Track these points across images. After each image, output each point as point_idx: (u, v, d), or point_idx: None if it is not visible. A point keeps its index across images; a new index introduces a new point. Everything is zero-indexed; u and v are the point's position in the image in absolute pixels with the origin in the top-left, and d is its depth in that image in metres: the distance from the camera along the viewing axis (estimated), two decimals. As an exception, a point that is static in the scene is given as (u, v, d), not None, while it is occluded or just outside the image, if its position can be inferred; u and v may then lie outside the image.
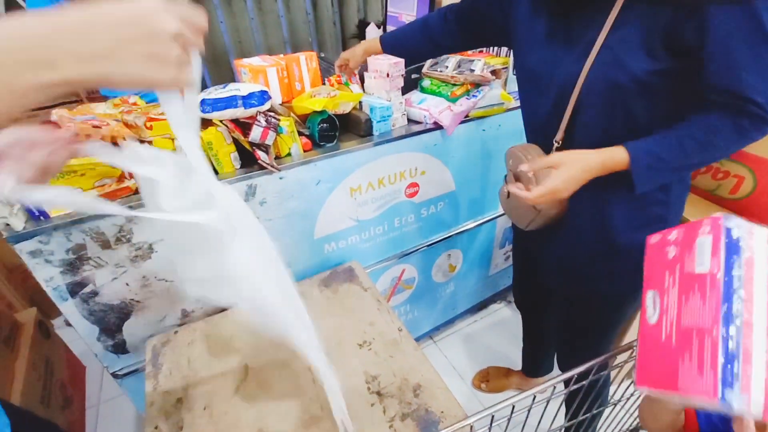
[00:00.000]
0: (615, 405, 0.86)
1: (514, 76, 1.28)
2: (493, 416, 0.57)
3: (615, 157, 0.68)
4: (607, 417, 0.91)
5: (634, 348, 0.65)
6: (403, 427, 0.74)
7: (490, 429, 0.59)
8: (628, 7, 0.64)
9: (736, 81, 0.60)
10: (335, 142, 1.04)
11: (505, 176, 0.95)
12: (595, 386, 0.76)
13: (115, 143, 0.81)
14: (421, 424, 0.75)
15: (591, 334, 1.00)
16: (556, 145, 0.78)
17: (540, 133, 0.84)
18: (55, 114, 0.83)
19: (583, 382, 0.72)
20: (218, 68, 2.18)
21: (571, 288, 0.94)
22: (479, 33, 0.99)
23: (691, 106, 0.67)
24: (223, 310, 1.02)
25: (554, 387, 0.61)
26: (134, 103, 0.95)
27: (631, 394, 0.84)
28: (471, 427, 0.57)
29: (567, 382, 0.69)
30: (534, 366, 1.45)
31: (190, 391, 0.82)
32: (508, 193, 0.90)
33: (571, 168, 0.69)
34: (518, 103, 1.28)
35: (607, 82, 0.67)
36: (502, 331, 1.76)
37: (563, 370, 1.27)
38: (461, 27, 1.00)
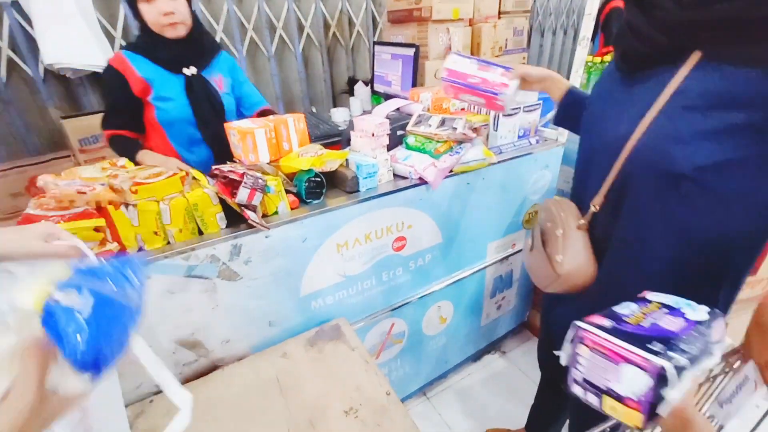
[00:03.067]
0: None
1: (495, 132, 1.34)
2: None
3: None
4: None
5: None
6: (392, 507, 0.69)
7: None
8: (702, 70, 0.54)
9: None
10: (322, 198, 1.05)
11: (533, 230, 0.90)
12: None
13: (100, 208, 0.81)
14: (410, 504, 0.69)
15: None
16: (593, 208, 0.71)
17: (582, 189, 0.77)
18: (41, 180, 0.84)
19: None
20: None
21: None
22: None
23: None
24: (205, 373, 0.98)
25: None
26: (122, 166, 0.96)
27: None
28: None
29: None
30: (541, 429, 1.37)
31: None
32: (531, 246, 0.85)
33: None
34: (500, 158, 1.33)
35: (657, 153, 0.57)
36: (497, 385, 1.70)
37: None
38: None
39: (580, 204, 0.78)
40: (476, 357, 1.80)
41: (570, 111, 0.90)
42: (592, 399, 0.48)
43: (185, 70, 1.31)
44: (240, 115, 1.53)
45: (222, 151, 1.22)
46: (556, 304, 0.94)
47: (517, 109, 1.33)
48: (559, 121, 1.00)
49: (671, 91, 0.56)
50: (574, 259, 0.74)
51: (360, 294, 1.21)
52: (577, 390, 0.50)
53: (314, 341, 1.06)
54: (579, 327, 0.50)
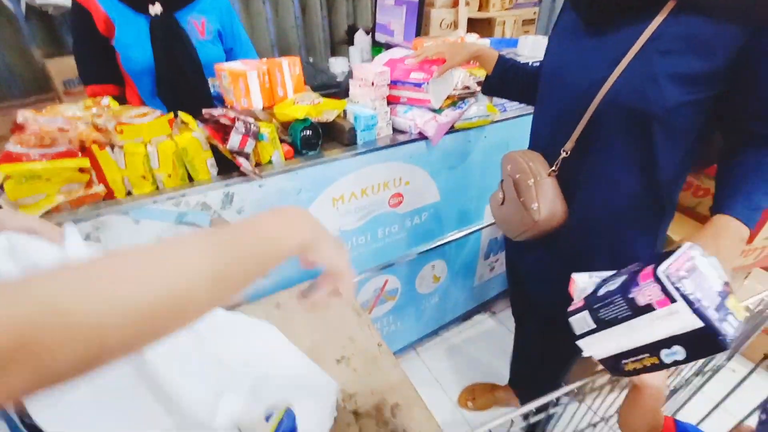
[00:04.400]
0: (597, 424, 0.85)
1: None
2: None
3: (732, 234, 0.60)
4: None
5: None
6: (380, 448, 0.72)
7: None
8: (675, 18, 0.59)
9: None
10: (318, 150, 1.01)
11: (501, 182, 0.93)
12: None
13: (84, 148, 0.77)
14: (398, 446, 0.72)
15: (559, 354, 1.00)
16: (563, 154, 0.76)
17: (549, 139, 0.81)
18: (21, 116, 0.79)
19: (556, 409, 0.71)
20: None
21: (551, 300, 0.93)
22: None
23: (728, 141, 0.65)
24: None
25: (534, 410, 0.60)
26: (107, 105, 0.91)
27: (615, 413, 0.83)
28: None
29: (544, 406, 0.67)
30: (520, 379, 1.43)
31: None
32: (503, 199, 0.89)
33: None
34: (504, 116, 1.28)
35: (633, 94, 0.64)
36: (486, 343, 1.75)
37: (524, 384, 1.25)
38: None
39: (544, 154, 0.82)
40: (467, 316, 1.84)
41: (505, 76, 0.99)
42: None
43: (150, 8, 1.10)
44: None
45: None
46: (525, 252, 0.98)
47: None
48: (490, 90, 1.08)
49: (647, 37, 0.61)
50: (548, 205, 0.78)
51: (354, 250, 1.20)
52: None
53: (308, 293, 1.06)
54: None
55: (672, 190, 0.76)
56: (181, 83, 1.05)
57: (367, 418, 0.77)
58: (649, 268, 0.49)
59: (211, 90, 1.22)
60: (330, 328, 0.96)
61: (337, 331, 0.95)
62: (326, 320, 0.98)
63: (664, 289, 0.46)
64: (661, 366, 0.49)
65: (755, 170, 0.62)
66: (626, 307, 0.50)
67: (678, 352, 0.47)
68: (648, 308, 0.47)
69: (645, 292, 0.48)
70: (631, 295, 0.50)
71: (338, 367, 0.86)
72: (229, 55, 1.34)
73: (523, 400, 1.31)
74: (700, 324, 0.44)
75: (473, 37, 1.50)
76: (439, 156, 1.20)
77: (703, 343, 0.44)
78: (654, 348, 0.49)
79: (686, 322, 0.44)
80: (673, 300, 0.45)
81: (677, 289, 0.45)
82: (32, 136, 0.75)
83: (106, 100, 0.94)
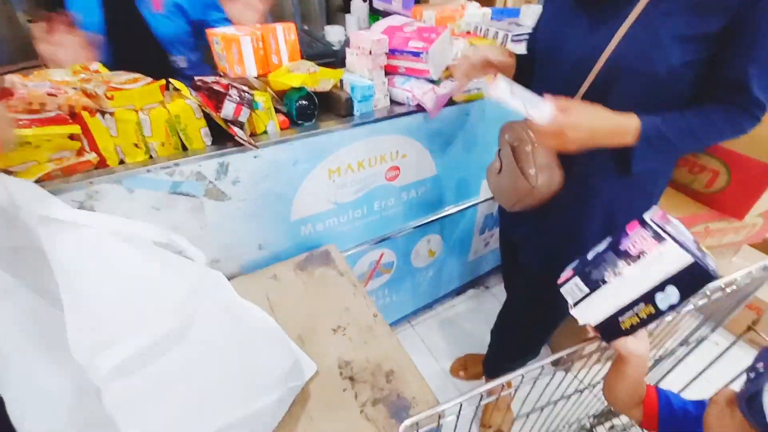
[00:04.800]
0: (583, 391, 0.88)
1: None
2: (461, 404, 0.57)
3: (628, 123, 0.65)
4: (577, 401, 0.93)
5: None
6: (375, 412, 0.74)
7: (458, 417, 0.59)
8: None
9: (744, 75, 0.61)
10: (314, 121, 1.00)
11: (498, 151, 0.93)
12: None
13: (73, 113, 0.75)
14: (392, 410, 0.74)
15: (543, 318, 1.05)
16: None
17: None
18: (8, 80, 0.76)
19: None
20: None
21: (543, 267, 0.95)
22: None
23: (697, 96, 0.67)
24: None
25: (522, 376, 0.62)
26: (95, 71, 0.88)
27: (601, 380, 0.87)
28: (439, 415, 0.57)
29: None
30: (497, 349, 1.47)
31: None
32: (500, 168, 0.89)
33: (585, 114, 0.65)
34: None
35: (637, 57, 0.64)
36: (479, 317, 1.78)
37: (506, 351, 1.28)
38: None
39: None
40: (461, 290, 1.88)
41: (521, 77, 0.90)
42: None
43: None
44: (193, 47, 1.21)
45: None
46: (518, 223, 1.00)
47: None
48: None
49: (647, 0, 0.62)
50: (546, 171, 0.80)
51: (350, 223, 1.21)
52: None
53: (304, 265, 1.07)
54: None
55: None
56: (135, 57, 0.97)
57: (363, 383, 0.79)
58: (634, 221, 0.54)
59: (183, 65, 1.18)
60: (326, 300, 0.97)
61: (332, 302, 0.97)
62: (322, 291, 1.00)
63: (653, 233, 0.50)
64: (657, 314, 0.53)
65: (698, 114, 0.66)
66: (618, 260, 0.54)
67: (671, 293, 0.51)
68: (640, 255, 0.51)
69: (634, 239, 0.52)
70: (622, 247, 0.53)
71: (334, 337, 0.88)
72: (199, 29, 1.21)
73: (492, 368, 1.35)
74: (689, 259, 0.48)
75: (474, 6, 1.45)
76: (437, 129, 1.19)
77: (694, 277, 0.49)
78: (648, 296, 0.52)
79: (677, 260, 0.49)
80: (662, 239, 0.50)
81: (664, 231, 0.50)
82: (20, 101, 0.72)
83: (95, 65, 0.91)
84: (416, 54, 1.03)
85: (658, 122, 0.66)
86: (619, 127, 0.66)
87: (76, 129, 0.74)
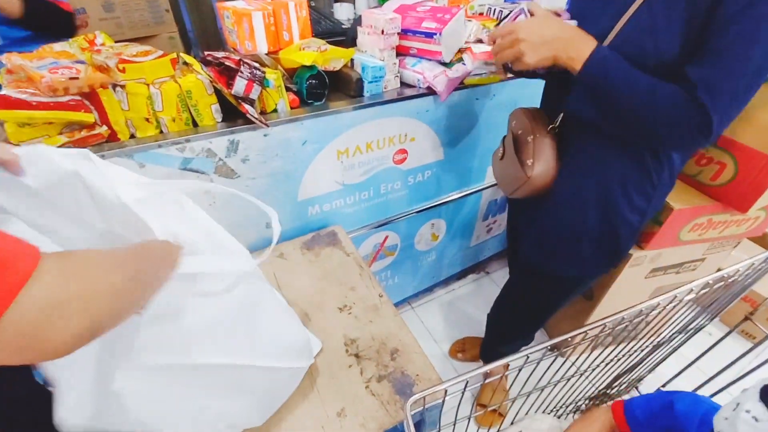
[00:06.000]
0: (580, 376, 0.91)
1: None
2: (467, 381, 0.59)
3: (582, 42, 0.64)
4: (573, 386, 0.96)
5: (606, 324, 0.67)
6: (380, 388, 0.77)
7: (462, 394, 0.61)
8: None
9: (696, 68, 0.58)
10: (324, 100, 0.99)
11: (503, 137, 0.93)
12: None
13: (92, 91, 0.74)
14: (396, 386, 0.77)
15: (536, 304, 1.07)
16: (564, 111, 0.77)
17: (555, 98, 0.81)
18: (7, 60, 0.74)
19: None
20: (199, 12, 2.03)
21: (538, 258, 0.96)
22: None
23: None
24: None
25: (527, 356, 0.63)
26: (102, 44, 0.86)
27: (597, 366, 0.89)
28: (445, 391, 0.59)
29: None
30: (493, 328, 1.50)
31: None
32: (503, 154, 0.90)
33: (539, 20, 0.67)
34: (511, 75, 1.24)
35: (631, 48, 0.63)
36: (479, 301, 1.81)
37: (499, 336, 1.31)
38: None
39: (552, 112, 0.82)
40: (461, 275, 1.90)
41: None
42: None
43: None
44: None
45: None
46: (521, 210, 1.02)
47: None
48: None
49: None
50: (542, 163, 0.80)
51: (357, 204, 1.21)
52: None
53: (311, 245, 1.08)
54: None
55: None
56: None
57: (368, 360, 0.81)
58: None
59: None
60: (332, 279, 0.99)
61: (339, 281, 0.98)
62: (328, 271, 1.01)
63: None
64: None
65: (650, 79, 0.61)
66: None
67: None
68: None
69: None
70: None
71: (341, 315, 0.90)
72: None
73: (488, 353, 1.38)
74: None
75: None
76: (447, 113, 1.18)
77: None
78: None
79: None
80: None
81: None
82: (47, 87, 0.69)
83: (101, 38, 0.90)
84: (429, 35, 1.02)
85: (610, 58, 0.63)
86: (572, 40, 0.64)
87: (90, 118, 0.73)
